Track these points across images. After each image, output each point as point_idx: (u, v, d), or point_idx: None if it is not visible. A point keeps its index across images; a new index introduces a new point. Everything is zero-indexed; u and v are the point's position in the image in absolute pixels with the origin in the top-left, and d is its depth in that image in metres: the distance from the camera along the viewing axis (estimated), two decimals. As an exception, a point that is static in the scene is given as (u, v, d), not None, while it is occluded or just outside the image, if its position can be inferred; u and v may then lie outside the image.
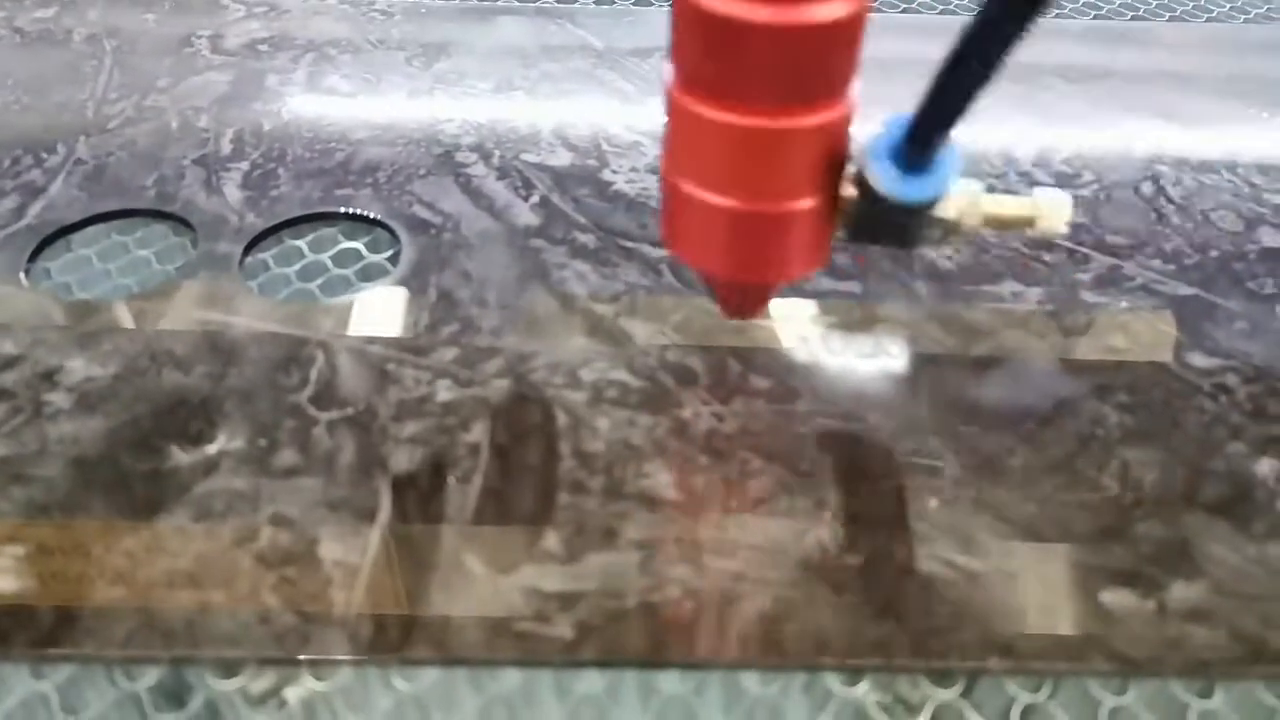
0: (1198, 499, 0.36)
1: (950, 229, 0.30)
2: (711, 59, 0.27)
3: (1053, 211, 0.31)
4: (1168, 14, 0.74)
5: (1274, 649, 0.32)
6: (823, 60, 0.26)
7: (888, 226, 0.30)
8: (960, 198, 0.30)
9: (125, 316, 0.42)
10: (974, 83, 0.24)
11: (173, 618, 0.32)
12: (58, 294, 0.44)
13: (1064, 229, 0.31)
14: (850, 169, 0.29)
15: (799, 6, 0.25)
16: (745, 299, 0.36)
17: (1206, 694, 0.33)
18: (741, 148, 0.28)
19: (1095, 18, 0.73)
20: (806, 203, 0.29)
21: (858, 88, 0.28)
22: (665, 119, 0.30)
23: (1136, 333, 0.43)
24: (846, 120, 0.28)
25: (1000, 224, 0.31)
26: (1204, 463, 0.38)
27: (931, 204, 0.29)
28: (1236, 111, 0.59)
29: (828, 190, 0.29)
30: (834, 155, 0.29)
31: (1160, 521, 0.35)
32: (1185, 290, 0.45)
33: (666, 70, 0.29)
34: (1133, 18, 0.73)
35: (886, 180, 0.28)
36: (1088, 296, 0.45)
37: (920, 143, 0.27)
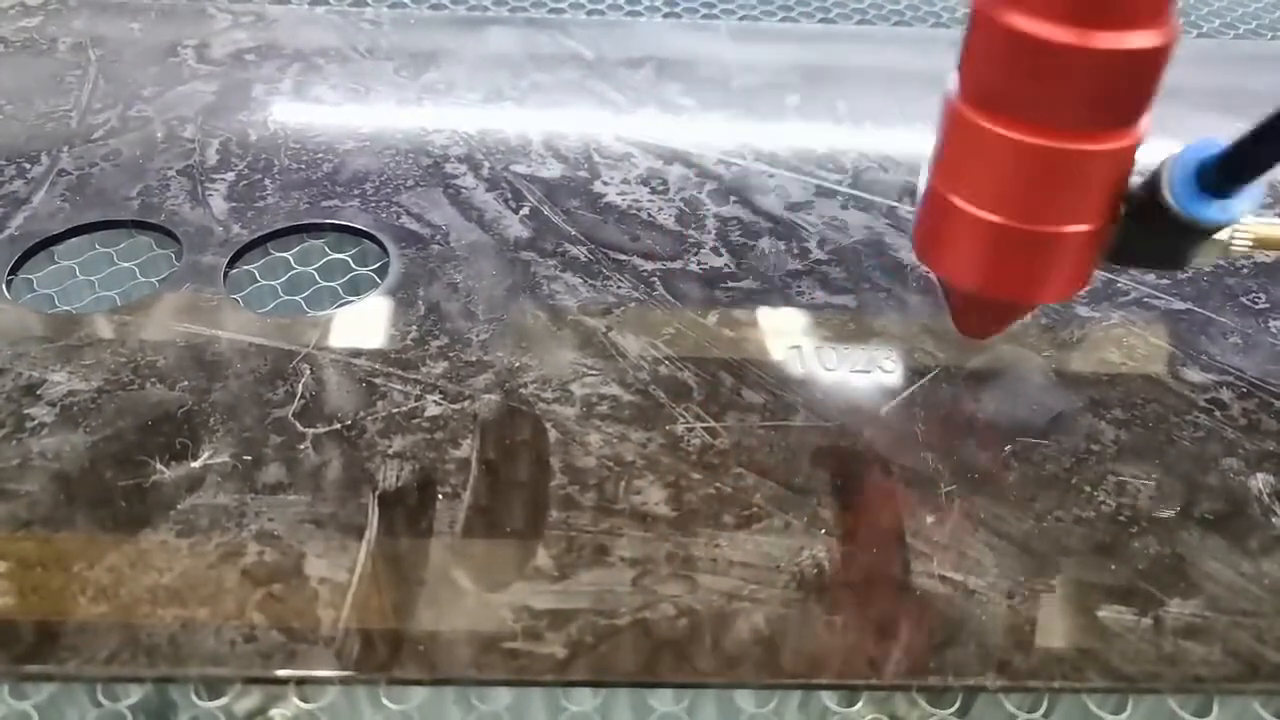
0: (1193, 515, 0.36)
1: (1222, 251, 0.30)
2: (1017, 78, 0.27)
3: None
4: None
5: (1270, 665, 0.32)
6: (1126, 87, 0.26)
7: (1163, 248, 0.30)
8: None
9: (108, 329, 0.41)
10: None
11: (157, 635, 0.31)
12: (40, 307, 0.43)
13: None
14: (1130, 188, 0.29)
15: (1111, 33, 0.25)
16: (988, 318, 0.36)
17: (1204, 711, 0.33)
18: (1035, 167, 0.28)
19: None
20: (1084, 226, 0.29)
21: (1149, 119, 0.28)
22: (944, 132, 0.30)
23: (1131, 347, 0.43)
24: (1135, 149, 0.28)
25: (1269, 246, 0.31)
26: (1199, 479, 0.37)
27: (1221, 227, 0.29)
28: (1226, 126, 0.59)
29: (1105, 216, 0.29)
30: (1119, 182, 0.29)
31: (1156, 538, 0.35)
32: (1179, 305, 0.45)
33: (951, 81, 0.29)
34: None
35: (1190, 201, 0.28)
36: (1082, 311, 0.45)
37: (1241, 171, 0.27)
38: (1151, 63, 0.26)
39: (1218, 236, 0.30)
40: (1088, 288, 0.32)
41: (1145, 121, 0.28)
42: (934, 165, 0.31)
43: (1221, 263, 0.48)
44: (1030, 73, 0.26)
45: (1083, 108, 0.27)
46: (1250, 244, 0.30)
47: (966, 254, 0.31)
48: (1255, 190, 0.28)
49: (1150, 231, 0.29)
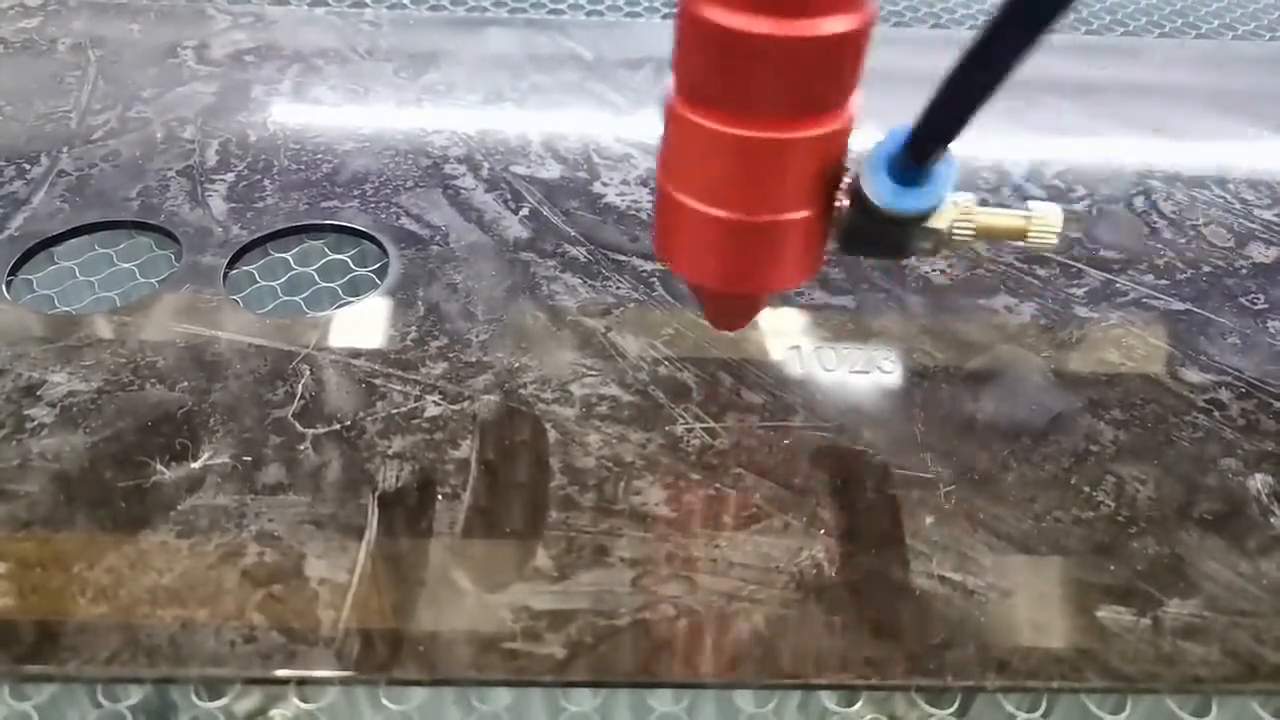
0: (1192, 515, 0.36)
1: (943, 240, 0.30)
2: (714, 71, 0.27)
3: (1045, 224, 0.31)
4: (1157, 30, 0.74)
5: (1269, 666, 0.32)
6: (825, 73, 0.26)
7: (881, 238, 0.30)
8: (953, 209, 0.30)
9: (108, 330, 0.41)
10: (976, 95, 0.24)
11: (157, 636, 0.31)
12: (40, 307, 0.43)
13: (1055, 241, 0.31)
14: (845, 180, 0.29)
15: (803, 20, 0.25)
16: (733, 311, 0.36)
17: (1203, 711, 0.33)
18: (741, 158, 0.28)
19: (1086, 33, 0.73)
20: (801, 214, 0.29)
21: (858, 101, 0.28)
22: (663, 129, 0.30)
23: (1130, 347, 0.43)
24: (845, 132, 0.28)
25: (993, 235, 0.31)
26: (1198, 479, 0.38)
27: (926, 216, 0.29)
28: (1226, 126, 0.60)
29: (822, 202, 0.29)
30: (831, 167, 0.29)
31: (1155, 538, 0.35)
32: (1177, 305, 0.45)
33: (668, 82, 0.29)
34: (1123, 34, 0.73)
35: (883, 192, 0.28)
36: (1080, 311, 0.45)
37: (918, 154, 0.27)
38: (847, 47, 0.26)
39: (937, 225, 0.30)
40: (817, 274, 0.32)
41: (852, 105, 0.28)
42: (659, 163, 0.31)
43: (1220, 263, 0.48)
44: (727, 65, 0.26)
45: (781, 96, 0.27)
46: (972, 233, 0.30)
47: (698, 250, 0.31)
48: (947, 175, 0.28)
49: (866, 222, 0.29)
